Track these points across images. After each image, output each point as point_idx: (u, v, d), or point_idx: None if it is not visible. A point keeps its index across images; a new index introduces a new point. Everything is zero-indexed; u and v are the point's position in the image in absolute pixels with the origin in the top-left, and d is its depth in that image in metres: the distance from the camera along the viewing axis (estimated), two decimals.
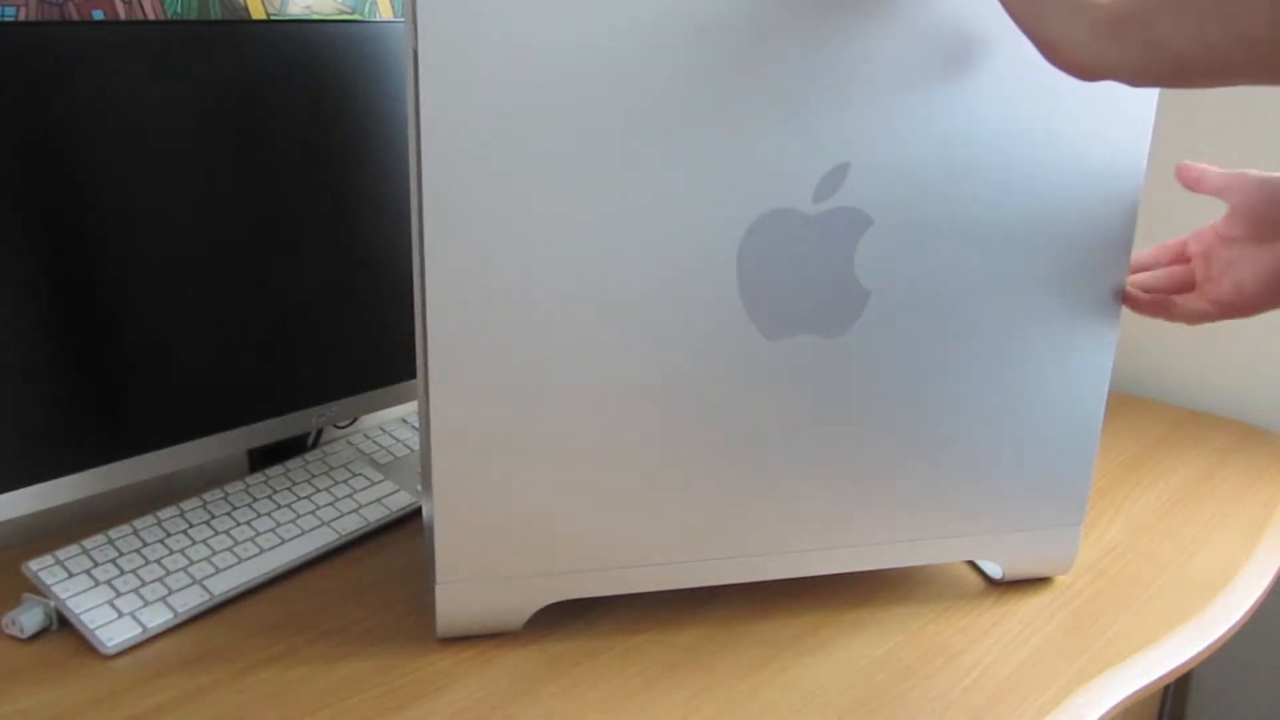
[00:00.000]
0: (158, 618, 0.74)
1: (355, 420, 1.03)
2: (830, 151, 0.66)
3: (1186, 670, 0.77)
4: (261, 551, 0.82)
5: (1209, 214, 1.06)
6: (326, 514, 0.87)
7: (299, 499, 0.89)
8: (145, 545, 0.81)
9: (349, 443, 0.99)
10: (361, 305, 0.91)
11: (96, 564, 0.78)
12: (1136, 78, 0.55)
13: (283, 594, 0.80)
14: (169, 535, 0.83)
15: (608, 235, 0.65)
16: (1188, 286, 0.72)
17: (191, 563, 0.80)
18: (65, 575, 0.77)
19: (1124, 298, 0.74)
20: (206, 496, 0.88)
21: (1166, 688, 1.20)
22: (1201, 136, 1.19)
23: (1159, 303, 0.72)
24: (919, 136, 0.67)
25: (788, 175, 0.66)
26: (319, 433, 1.00)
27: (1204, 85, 0.53)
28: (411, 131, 0.63)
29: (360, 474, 0.93)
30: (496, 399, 0.67)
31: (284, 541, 0.83)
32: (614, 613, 0.78)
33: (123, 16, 0.84)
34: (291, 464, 0.94)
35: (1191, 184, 0.73)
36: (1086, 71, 0.56)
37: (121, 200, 0.76)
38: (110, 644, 0.72)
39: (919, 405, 0.74)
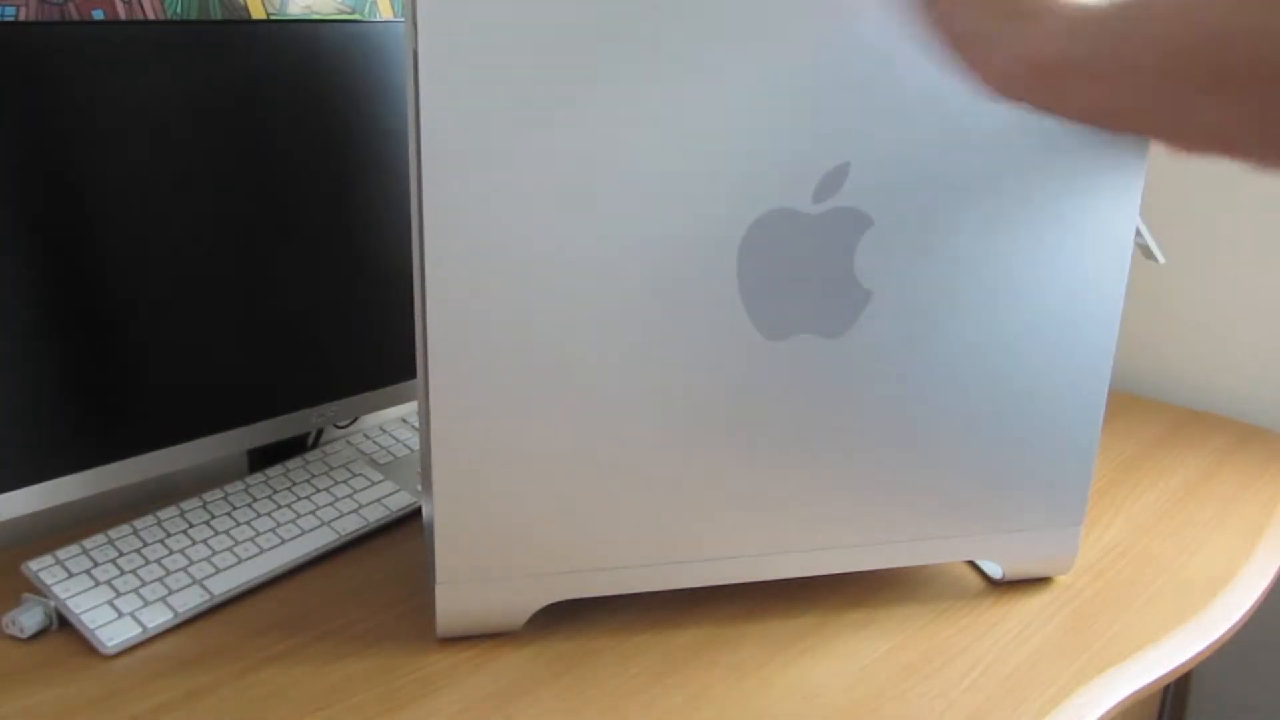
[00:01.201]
0: (158, 618, 0.74)
1: (355, 420, 1.03)
2: (830, 151, 0.66)
3: (1186, 670, 0.77)
4: (261, 551, 0.82)
5: (1207, 213, 1.06)
6: (326, 514, 0.87)
7: (299, 499, 0.89)
8: (145, 545, 0.81)
9: (349, 443, 0.99)
10: (361, 305, 0.91)
11: (96, 564, 0.78)
12: (1062, 121, 0.54)
13: (283, 594, 0.80)
14: (169, 535, 0.83)
15: (607, 235, 0.65)
16: None
17: (191, 563, 0.80)
18: (65, 575, 0.77)
19: None
20: (206, 496, 0.88)
21: (1166, 688, 1.20)
22: None
23: None
24: (919, 137, 0.67)
25: (788, 175, 0.66)
26: (319, 433, 1.00)
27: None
28: (411, 131, 0.63)
29: (360, 474, 0.93)
30: (496, 399, 0.67)
31: (284, 541, 0.83)
32: (614, 613, 0.78)
33: (123, 16, 0.84)
34: (291, 464, 0.94)
35: None
36: (1006, 103, 0.56)
37: (120, 200, 0.76)
38: (110, 644, 0.72)
39: (918, 405, 0.74)
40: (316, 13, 0.96)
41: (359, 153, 0.87)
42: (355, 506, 0.89)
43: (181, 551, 0.81)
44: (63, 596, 0.75)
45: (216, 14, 0.89)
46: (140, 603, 0.75)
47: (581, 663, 0.73)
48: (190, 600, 0.76)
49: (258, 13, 0.92)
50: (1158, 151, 1.17)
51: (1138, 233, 0.75)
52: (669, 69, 0.62)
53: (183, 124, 0.78)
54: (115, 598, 0.76)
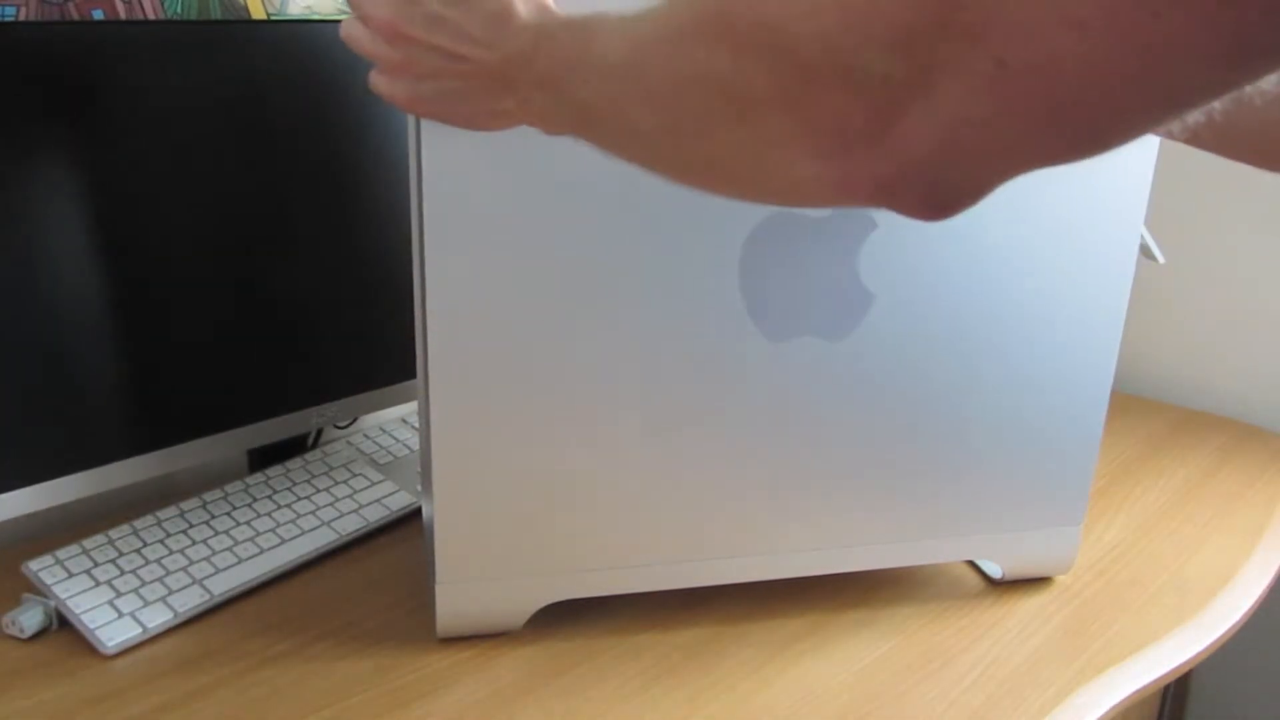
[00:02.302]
0: (158, 618, 0.74)
1: (355, 420, 1.03)
2: None
3: (1186, 670, 0.77)
4: (261, 551, 0.82)
5: (1216, 216, 1.06)
6: (326, 514, 0.87)
7: (299, 499, 0.89)
8: (145, 545, 0.81)
9: (349, 443, 0.99)
10: (361, 305, 0.91)
11: (96, 564, 0.78)
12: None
13: (283, 594, 0.80)
14: (169, 535, 0.82)
15: (609, 235, 0.65)
16: None
17: (191, 563, 0.80)
18: (65, 575, 0.77)
19: None
20: (206, 496, 0.88)
21: (1166, 688, 1.20)
22: None
23: None
24: None
25: None
26: (319, 433, 1.00)
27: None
28: (411, 131, 0.62)
29: (360, 474, 0.93)
30: (496, 399, 0.67)
31: (284, 541, 0.83)
32: (614, 613, 0.78)
33: (123, 16, 0.84)
34: (291, 464, 0.94)
35: None
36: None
37: (119, 200, 0.76)
38: (110, 644, 0.72)
39: (920, 406, 0.74)
40: (316, 13, 0.96)
41: (359, 152, 0.87)
42: (355, 506, 0.89)
43: (181, 551, 0.81)
44: (63, 596, 0.75)
45: (216, 14, 0.89)
46: (140, 603, 0.75)
47: (581, 663, 0.73)
48: (190, 600, 0.76)
49: (258, 13, 0.92)
50: (1165, 149, 1.17)
51: None
52: None
53: (183, 124, 0.78)
54: (115, 598, 0.76)
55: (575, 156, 0.63)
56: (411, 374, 0.95)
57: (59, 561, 0.78)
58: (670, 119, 0.44)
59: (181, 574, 0.78)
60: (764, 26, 0.38)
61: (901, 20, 0.34)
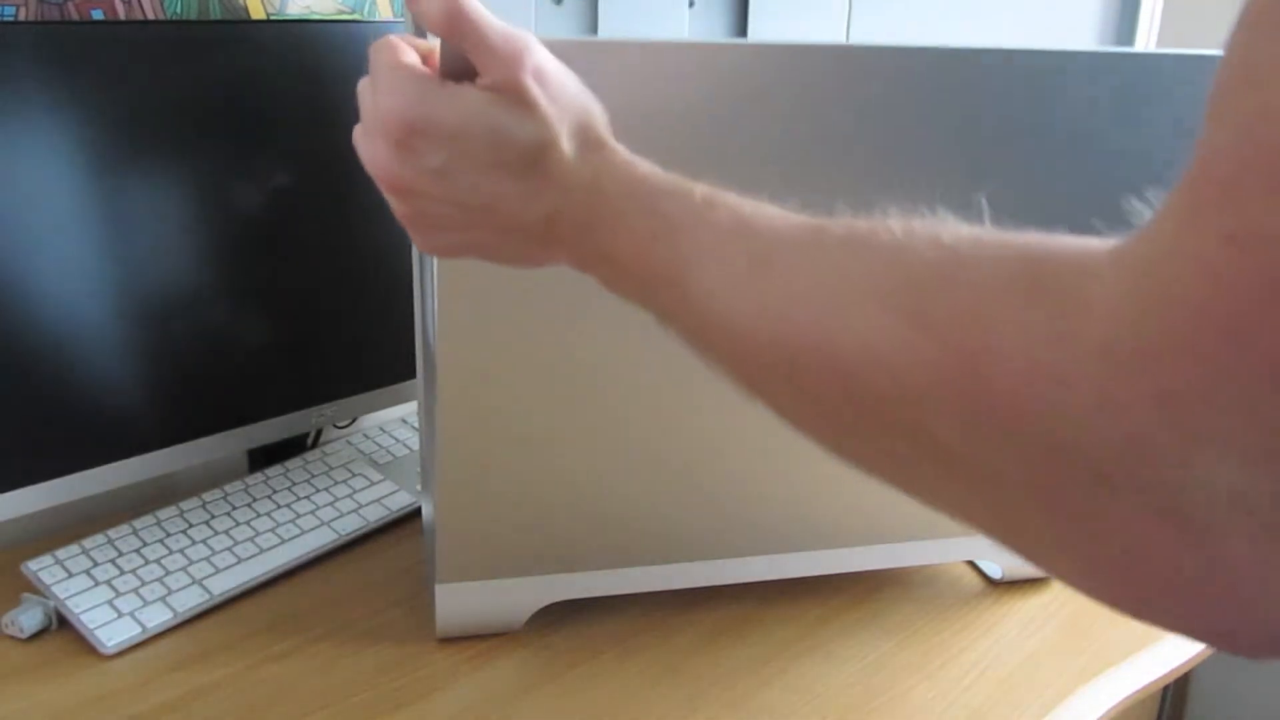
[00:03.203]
0: (157, 617, 0.74)
1: (355, 420, 1.03)
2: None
3: (1186, 670, 0.77)
4: (261, 551, 0.82)
5: None
6: (326, 514, 0.87)
7: (299, 499, 0.89)
8: (145, 545, 0.81)
9: (349, 443, 0.99)
10: (361, 305, 0.91)
11: (96, 564, 0.78)
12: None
13: (282, 594, 0.80)
14: (169, 535, 0.82)
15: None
16: None
17: (191, 563, 0.80)
18: (65, 575, 0.77)
19: None
20: (206, 496, 0.88)
21: (1166, 688, 1.20)
22: None
23: None
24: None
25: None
26: (319, 433, 1.00)
27: None
28: None
29: (360, 474, 0.93)
30: (498, 400, 0.67)
31: (284, 541, 0.83)
32: (614, 613, 0.78)
33: (123, 16, 0.84)
34: (291, 464, 0.94)
35: None
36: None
37: (117, 199, 0.76)
38: (110, 644, 0.72)
39: None
40: (316, 13, 0.96)
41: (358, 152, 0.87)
42: (355, 506, 0.89)
43: (181, 551, 0.81)
44: (62, 596, 0.75)
45: (216, 14, 0.89)
46: (140, 602, 0.75)
47: (581, 663, 0.73)
48: (190, 600, 0.76)
49: (258, 13, 0.92)
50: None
51: None
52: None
53: (182, 124, 0.78)
54: (115, 598, 0.76)
55: None
56: (411, 374, 0.95)
57: (59, 561, 0.78)
58: (826, 429, 0.32)
59: (181, 574, 0.78)
60: (997, 402, 0.26)
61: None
